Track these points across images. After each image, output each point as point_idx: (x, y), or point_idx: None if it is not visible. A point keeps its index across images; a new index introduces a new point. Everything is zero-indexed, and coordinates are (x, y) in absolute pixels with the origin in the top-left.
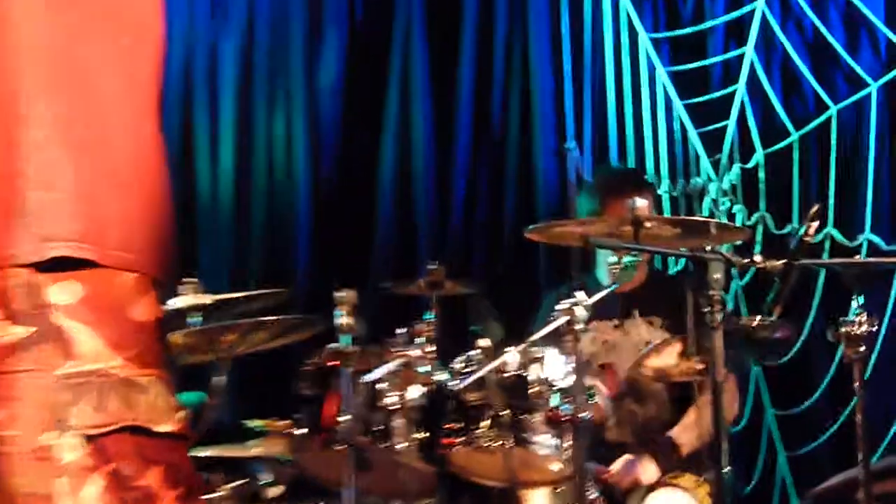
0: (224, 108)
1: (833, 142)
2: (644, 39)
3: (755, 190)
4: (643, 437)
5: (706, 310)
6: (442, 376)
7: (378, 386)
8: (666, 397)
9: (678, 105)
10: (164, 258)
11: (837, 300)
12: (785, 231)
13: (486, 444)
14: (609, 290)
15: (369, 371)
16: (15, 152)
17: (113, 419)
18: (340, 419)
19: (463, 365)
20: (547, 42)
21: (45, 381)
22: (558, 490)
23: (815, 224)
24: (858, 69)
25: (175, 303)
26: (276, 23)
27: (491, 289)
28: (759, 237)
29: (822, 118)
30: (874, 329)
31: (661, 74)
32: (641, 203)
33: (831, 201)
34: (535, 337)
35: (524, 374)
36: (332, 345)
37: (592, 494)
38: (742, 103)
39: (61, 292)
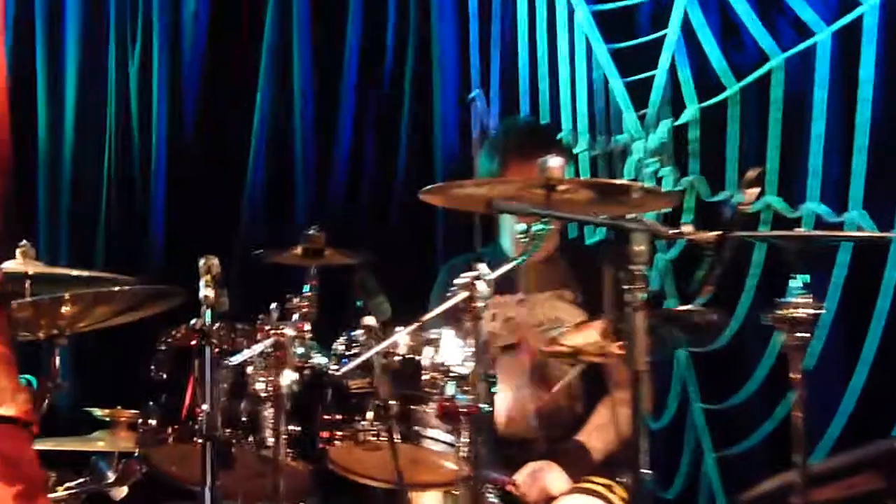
0: (68, 45)
1: (776, 97)
2: None
3: (686, 150)
4: (549, 431)
5: (626, 287)
6: (320, 360)
7: (245, 370)
8: (577, 384)
9: (600, 50)
10: (4, 210)
11: (777, 279)
12: (719, 198)
13: (370, 439)
14: (515, 262)
15: (235, 352)
16: None
17: None
18: (199, 408)
19: (345, 347)
20: None
21: None
22: (452, 492)
23: (754, 191)
24: (807, 13)
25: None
26: None
27: (379, 259)
28: (689, 204)
29: (764, 69)
30: (818, 312)
31: (581, 15)
32: (555, 162)
33: (772, 165)
34: (430, 316)
35: (416, 359)
36: (193, 321)
37: (491, 499)
38: (673, 51)
39: None
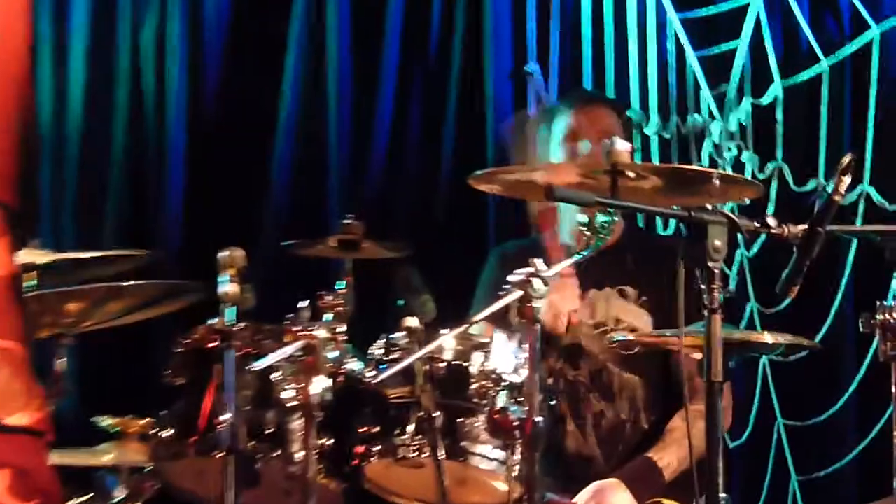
0: (74, 8)
1: (874, 73)
2: None
3: (770, 133)
4: (613, 449)
5: (702, 287)
6: (355, 365)
7: (272, 376)
8: (642, 395)
9: (674, 21)
10: (17, 192)
11: (873, 279)
12: (807, 188)
13: (411, 456)
14: (575, 258)
15: (261, 356)
16: None
17: None
18: (220, 418)
19: (383, 351)
20: None
21: None
22: None
23: (847, 179)
24: None
25: None
26: None
27: (422, 253)
28: (773, 195)
29: (861, 41)
30: None
31: None
32: (622, 146)
33: (868, 151)
34: (480, 317)
35: (463, 365)
36: (213, 320)
37: None
38: (757, 19)
39: None
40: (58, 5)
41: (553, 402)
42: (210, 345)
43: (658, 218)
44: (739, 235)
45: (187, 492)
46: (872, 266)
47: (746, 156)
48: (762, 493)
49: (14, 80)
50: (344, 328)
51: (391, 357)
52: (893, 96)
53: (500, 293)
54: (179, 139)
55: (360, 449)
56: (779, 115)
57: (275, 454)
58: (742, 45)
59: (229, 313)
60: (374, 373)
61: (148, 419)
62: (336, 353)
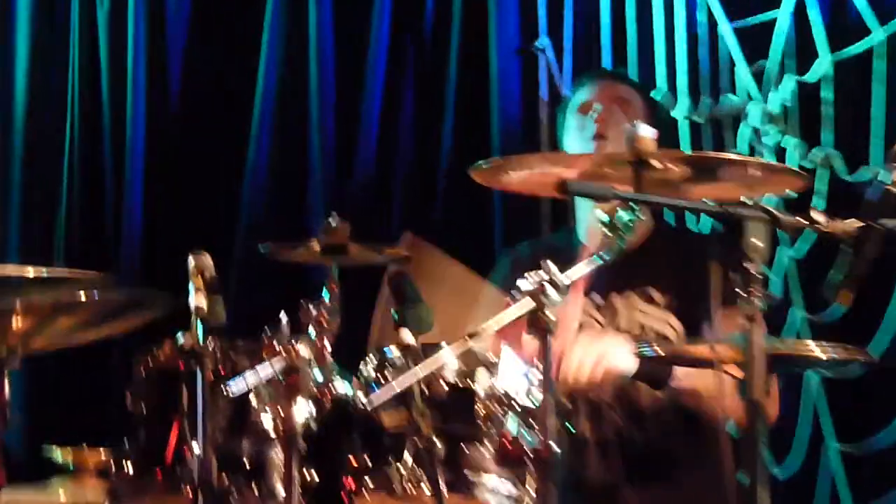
0: None
1: None
2: None
3: (817, 115)
4: (641, 477)
5: (739, 291)
6: (344, 387)
7: (248, 400)
8: (672, 417)
9: None
10: None
11: None
12: (860, 177)
13: (407, 489)
14: (595, 263)
15: (235, 377)
16: None
17: None
18: (189, 449)
19: (375, 370)
20: None
21: None
22: None
23: None
24: None
25: None
26: None
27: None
28: (821, 186)
29: None
30: None
31: None
32: (646, 132)
33: None
34: (485, 329)
35: (468, 386)
36: (180, 337)
37: None
38: None
39: None
40: None
41: (570, 426)
42: (177, 365)
43: (688, 214)
44: (782, 233)
45: None
46: None
47: (790, 141)
48: None
49: None
50: (329, 344)
51: (384, 377)
52: None
53: (510, 302)
54: (140, 133)
55: (351, 483)
56: (827, 94)
57: (252, 490)
58: (784, 14)
59: (198, 329)
60: (364, 395)
61: (106, 451)
62: (321, 374)
